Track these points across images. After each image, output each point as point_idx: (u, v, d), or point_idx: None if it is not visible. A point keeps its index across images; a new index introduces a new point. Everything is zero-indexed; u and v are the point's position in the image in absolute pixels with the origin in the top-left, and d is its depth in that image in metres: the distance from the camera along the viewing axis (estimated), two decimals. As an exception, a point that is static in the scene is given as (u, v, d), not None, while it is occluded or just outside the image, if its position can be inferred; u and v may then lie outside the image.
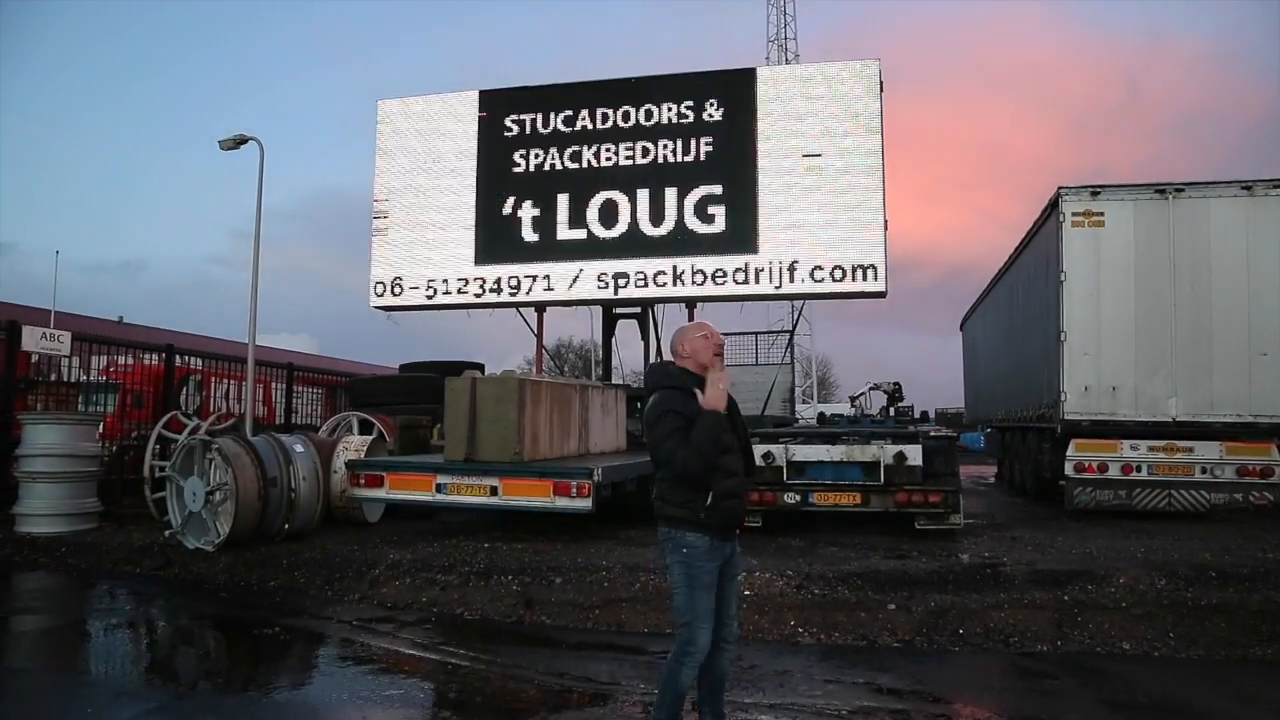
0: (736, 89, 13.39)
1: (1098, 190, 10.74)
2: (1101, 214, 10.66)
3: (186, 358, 13.51)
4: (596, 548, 8.58)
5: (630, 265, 13.37)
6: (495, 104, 14.21)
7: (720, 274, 13.07)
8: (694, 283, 13.13)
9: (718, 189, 13.22)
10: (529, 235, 13.81)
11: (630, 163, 13.54)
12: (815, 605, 6.75)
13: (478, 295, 13.94)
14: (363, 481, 9.27)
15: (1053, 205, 11.09)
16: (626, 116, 13.64)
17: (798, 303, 16.03)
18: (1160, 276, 10.47)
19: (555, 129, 13.89)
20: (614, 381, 14.38)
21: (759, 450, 9.02)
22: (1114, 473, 10.50)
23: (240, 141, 12.48)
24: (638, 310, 14.44)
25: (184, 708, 4.97)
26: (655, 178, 13.43)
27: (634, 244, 13.39)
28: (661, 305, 14.22)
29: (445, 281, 14.05)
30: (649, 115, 13.57)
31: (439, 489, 8.92)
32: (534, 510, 8.76)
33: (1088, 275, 10.64)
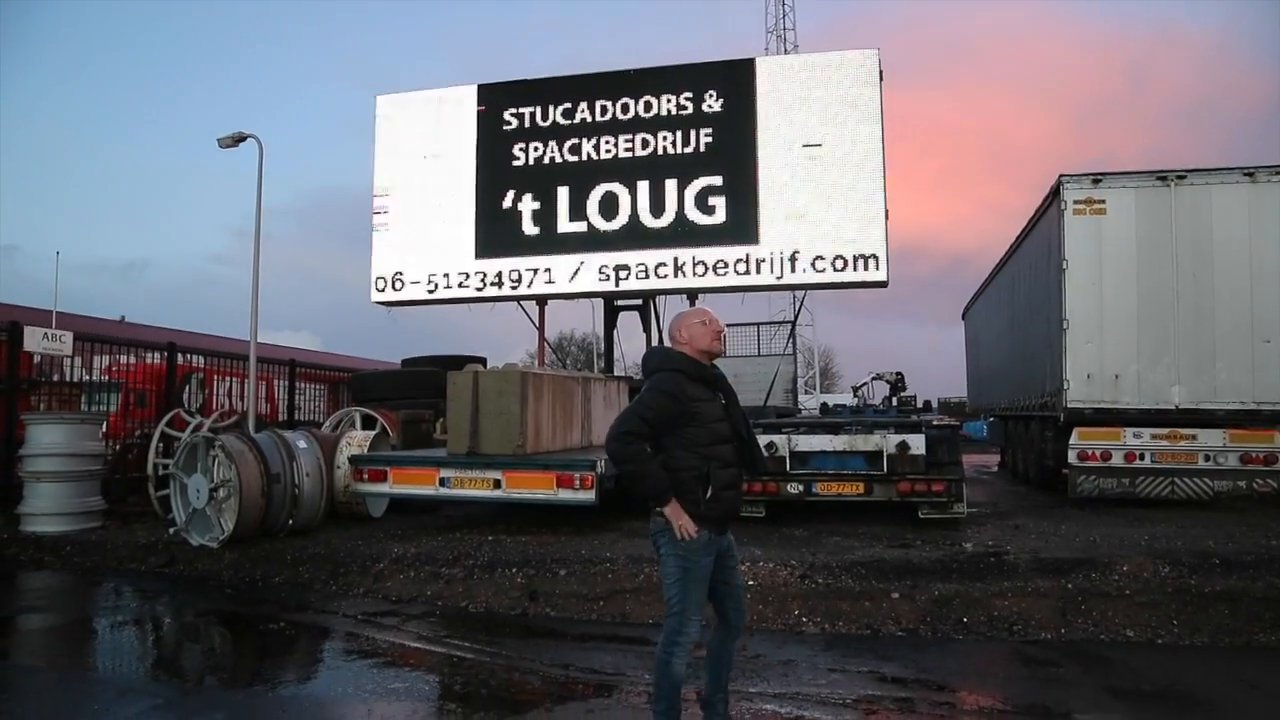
0: (736, 80, 13.35)
1: (1099, 178, 10.71)
2: (1103, 202, 10.63)
3: (188, 356, 13.52)
4: (600, 539, 8.59)
5: (631, 257, 13.36)
6: (494, 98, 14.18)
7: (721, 265, 13.05)
8: (695, 274, 13.13)
9: (718, 180, 13.19)
10: (529, 228, 13.80)
11: (630, 155, 13.52)
12: (819, 595, 6.76)
13: (479, 289, 13.94)
14: (366, 476, 9.29)
15: (1054, 193, 11.07)
16: (626, 108, 13.62)
17: (799, 293, 16.01)
18: (1162, 264, 10.45)
19: (554, 122, 13.86)
20: (616, 373, 14.39)
21: (762, 441, 9.02)
22: (1117, 461, 10.49)
23: (239, 139, 12.48)
24: (639, 302, 14.43)
25: (190, 703, 4.98)
26: (655, 169, 13.40)
27: (635, 236, 13.38)
28: (663, 297, 14.21)
29: (446, 276, 14.05)
30: (648, 107, 13.55)
31: (442, 483, 8.94)
32: (537, 503, 8.77)
33: (1090, 263, 10.62)
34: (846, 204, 12.69)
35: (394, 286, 14.25)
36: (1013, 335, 14.89)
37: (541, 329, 14.70)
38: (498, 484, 8.72)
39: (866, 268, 12.60)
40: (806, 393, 32.40)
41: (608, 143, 13.63)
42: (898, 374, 17.77)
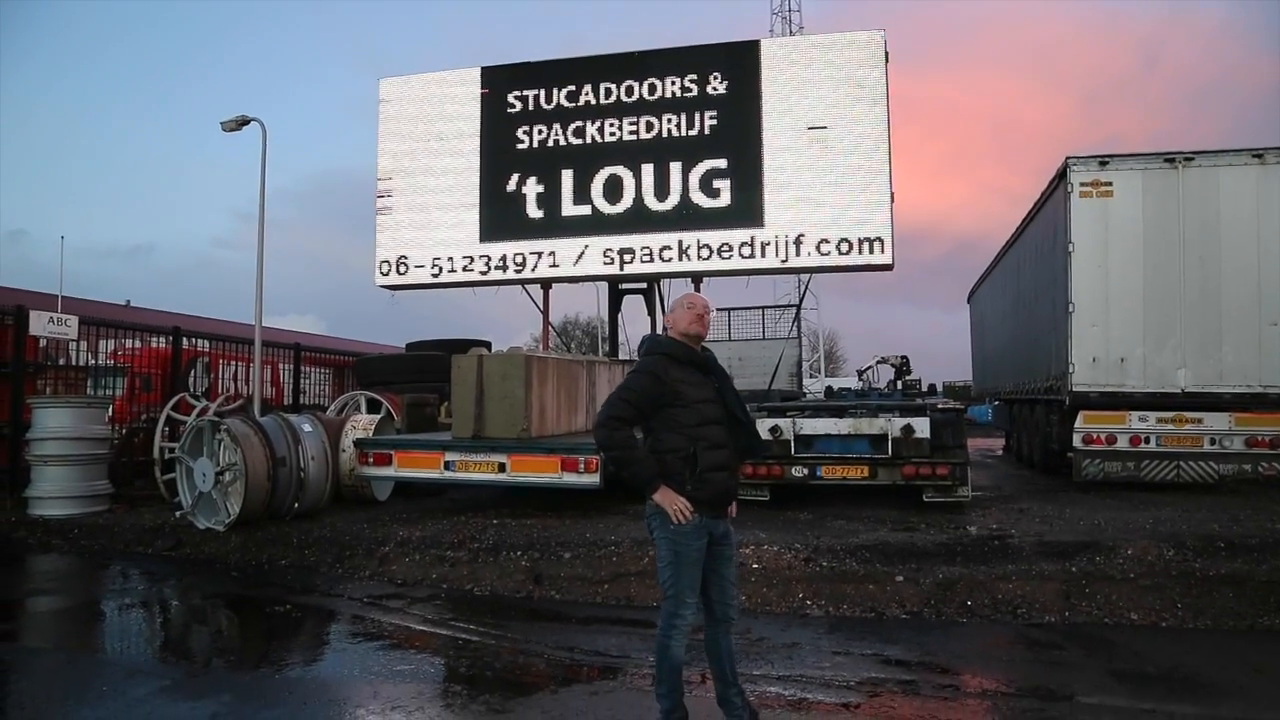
0: (740, 61, 13.26)
1: (1106, 160, 10.64)
2: (1110, 184, 10.56)
3: (194, 340, 13.55)
4: (605, 523, 8.61)
5: (635, 240, 13.32)
6: (497, 80, 14.11)
7: (726, 248, 13.01)
8: (700, 257, 13.09)
9: (722, 163, 13.13)
10: (534, 212, 13.76)
11: (634, 137, 13.46)
12: (823, 578, 6.77)
13: (483, 273, 13.92)
14: (371, 460, 9.32)
15: (1060, 176, 10.99)
16: (630, 91, 13.54)
17: (804, 276, 15.94)
18: (1169, 246, 10.38)
19: (558, 104, 13.80)
20: (621, 357, 14.38)
21: (767, 424, 9.03)
22: (1122, 444, 10.47)
23: (243, 122, 12.44)
24: (644, 286, 14.39)
25: (197, 685, 5.01)
26: (660, 152, 13.34)
27: (639, 219, 13.34)
28: (667, 280, 14.18)
29: (450, 259, 14.02)
30: (652, 89, 13.47)
31: (447, 466, 8.97)
32: (542, 486, 8.80)
33: (1096, 246, 10.56)
34: (851, 186, 12.62)
35: (398, 270, 14.23)
36: (1018, 319, 14.84)
37: (546, 312, 14.69)
38: (502, 467, 8.75)
39: (871, 251, 12.55)
40: (811, 376, 32.39)
41: (612, 125, 13.56)
42: (903, 358, 17.74)
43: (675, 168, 13.26)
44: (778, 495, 9.42)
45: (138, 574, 8.07)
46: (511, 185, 13.86)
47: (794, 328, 18.25)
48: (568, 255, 13.59)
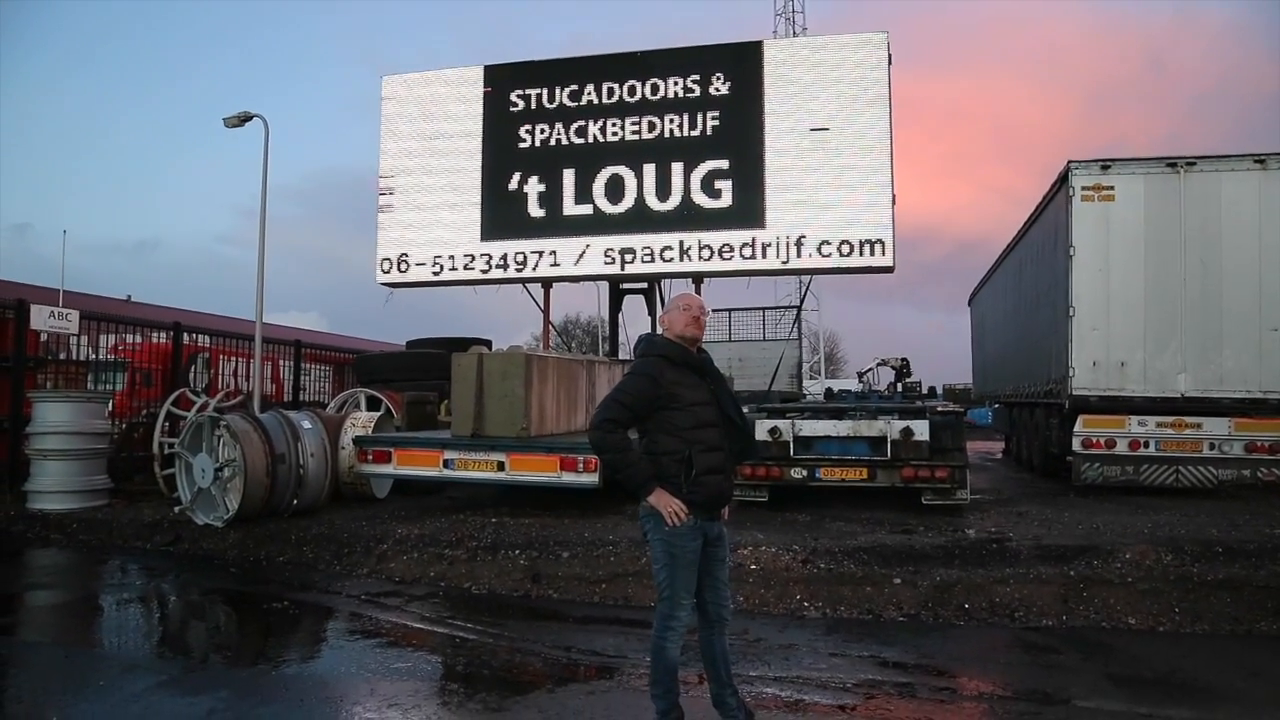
0: (743, 62, 13.26)
1: (1108, 164, 10.64)
2: (1111, 188, 10.56)
3: (194, 336, 13.55)
4: (603, 522, 8.61)
5: (637, 240, 13.32)
6: (500, 79, 14.11)
7: (727, 249, 13.01)
8: (701, 258, 13.08)
9: (724, 163, 13.13)
10: (535, 211, 13.76)
11: (636, 137, 13.45)
12: (821, 579, 6.77)
13: (484, 271, 13.92)
14: (370, 457, 9.32)
15: (1062, 179, 10.99)
16: (632, 91, 13.54)
17: (805, 278, 15.94)
18: (1170, 251, 10.38)
19: (561, 104, 13.79)
20: (621, 357, 14.38)
21: (766, 426, 9.03)
22: (1121, 448, 10.46)
23: (245, 119, 12.44)
24: (644, 286, 14.39)
25: (195, 680, 5.02)
26: (661, 152, 13.34)
27: (640, 219, 13.33)
28: (668, 280, 14.18)
29: (452, 258, 14.02)
30: (655, 89, 13.47)
31: (446, 464, 8.97)
32: (541, 485, 8.79)
33: (1097, 250, 10.55)
34: (853, 188, 12.62)
35: (399, 268, 14.23)
36: (1018, 322, 14.83)
37: (546, 312, 14.68)
38: (501, 466, 8.75)
39: (873, 253, 12.55)
40: (811, 378, 32.37)
41: (614, 125, 13.56)
42: (903, 360, 17.72)
43: (677, 168, 13.26)
44: (776, 496, 9.42)
45: (136, 569, 8.08)
46: (513, 184, 13.86)
47: (794, 329, 18.24)
48: (569, 254, 13.58)
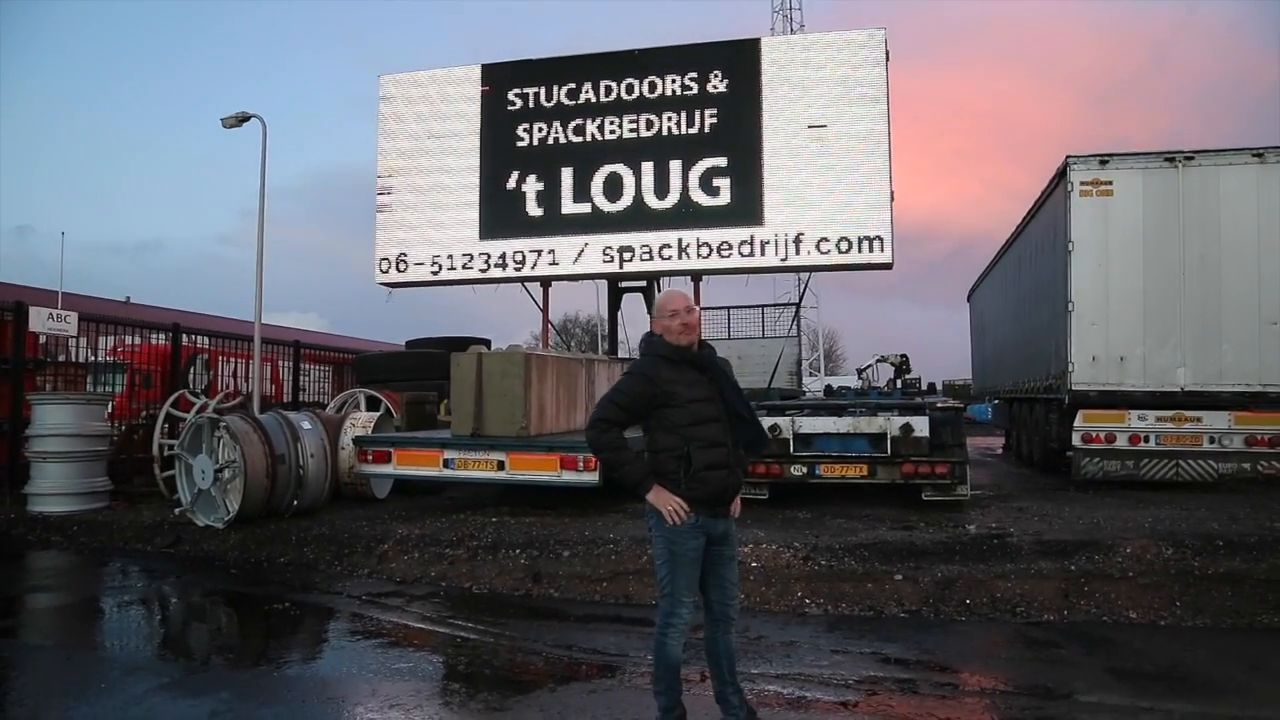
0: (741, 60, 13.27)
1: (1106, 159, 10.63)
2: (1110, 183, 10.55)
3: (193, 337, 13.54)
4: (604, 521, 8.61)
5: (635, 238, 13.33)
6: (498, 78, 14.11)
7: (726, 246, 13.02)
8: (699, 255, 13.10)
9: (722, 161, 13.14)
10: (533, 209, 13.77)
11: (634, 135, 13.46)
12: (822, 576, 6.77)
13: (483, 270, 13.93)
14: (370, 458, 9.32)
15: (1061, 174, 10.99)
16: (630, 89, 13.55)
17: (804, 275, 15.94)
18: (1169, 245, 10.38)
19: (559, 102, 13.80)
20: (620, 355, 14.38)
21: (766, 423, 9.02)
22: (1122, 443, 10.47)
23: (243, 119, 12.42)
24: (643, 284, 14.41)
25: (196, 682, 5.02)
26: (659, 150, 13.35)
27: (639, 217, 13.34)
28: (667, 278, 14.19)
29: (450, 257, 14.03)
30: (653, 87, 13.47)
31: (446, 464, 8.97)
32: (541, 484, 8.79)
33: (1096, 245, 10.55)
34: (851, 185, 12.63)
35: (398, 268, 14.24)
36: (1018, 317, 14.83)
37: (545, 310, 14.69)
38: (501, 465, 8.75)
39: (871, 249, 12.56)
40: (811, 375, 32.36)
41: (612, 123, 13.57)
42: (902, 356, 17.71)
43: (675, 166, 13.27)
44: (776, 494, 9.42)
45: (137, 571, 8.07)
46: (511, 183, 13.87)
47: (794, 326, 18.23)
48: (567, 253, 13.59)
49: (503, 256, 13.80)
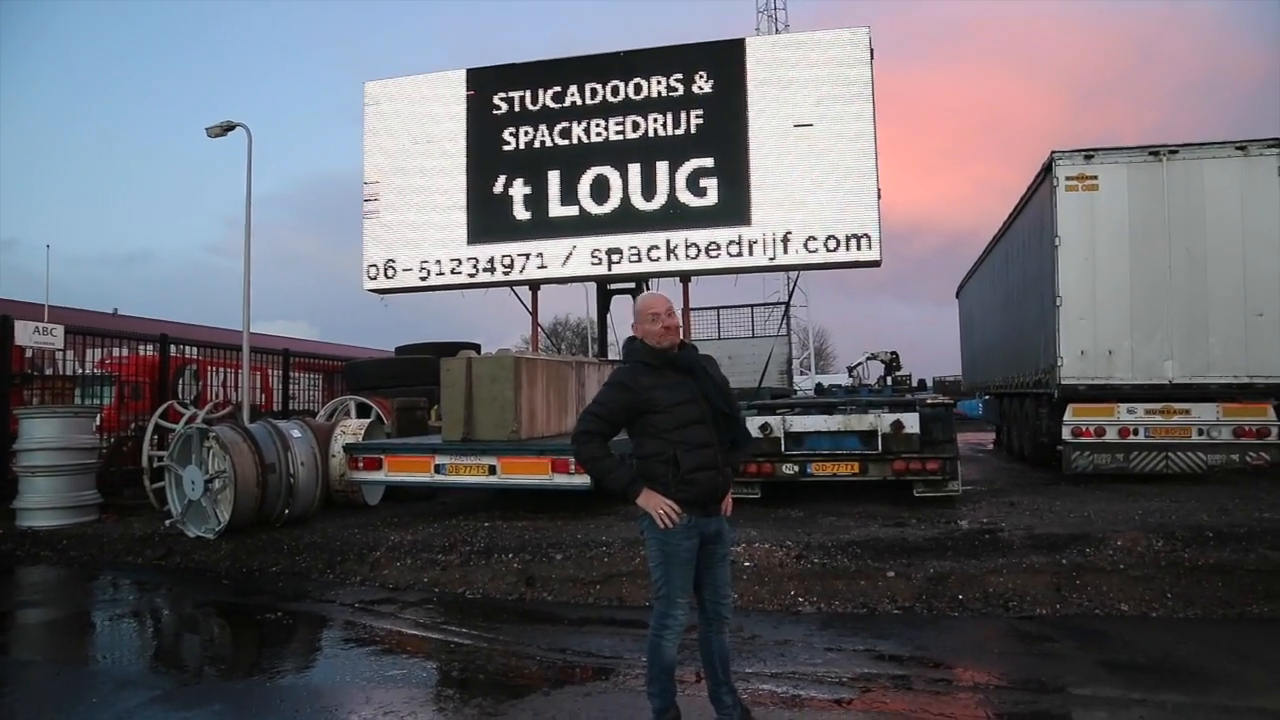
0: (726, 60, 13.29)
1: (1091, 153, 10.68)
2: (1095, 177, 10.60)
3: (181, 347, 13.48)
4: (596, 524, 8.60)
5: (623, 240, 13.33)
6: (483, 82, 14.10)
7: (714, 247, 13.03)
8: (688, 256, 13.11)
9: (709, 161, 13.15)
10: (521, 213, 13.75)
11: (621, 137, 13.47)
12: (815, 574, 6.77)
13: (471, 275, 13.91)
14: (361, 464, 9.29)
15: (1046, 170, 11.03)
16: (616, 91, 13.55)
17: (793, 273, 15.98)
18: (1155, 239, 10.43)
19: (544, 105, 13.80)
20: (610, 357, 14.37)
21: (757, 422, 9.03)
22: (1111, 436, 10.51)
23: (228, 128, 12.39)
24: (632, 285, 14.40)
25: (189, 694, 4.99)
26: (646, 152, 13.36)
27: (626, 219, 13.35)
28: (656, 280, 14.19)
29: (438, 262, 14.01)
30: (638, 89, 13.48)
31: (437, 469, 8.95)
32: (533, 488, 8.78)
33: (1082, 239, 10.60)
34: (838, 183, 12.66)
35: (386, 274, 14.21)
36: (1006, 313, 14.88)
37: (535, 314, 14.69)
38: (493, 470, 8.73)
39: (859, 247, 12.60)
40: (802, 374, 32.41)
41: (598, 126, 13.57)
42: (892, 353, 17.79)
43: (662, 167, 13.28)
44: (769, 492, 9.43)
45: (128, 584, 8.03)
46: (498, 187, 13.86)
47: (783, 325, 18.26)
48: (556, 256, 13.59)
49: (491, 261, 13.79)
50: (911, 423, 8.91)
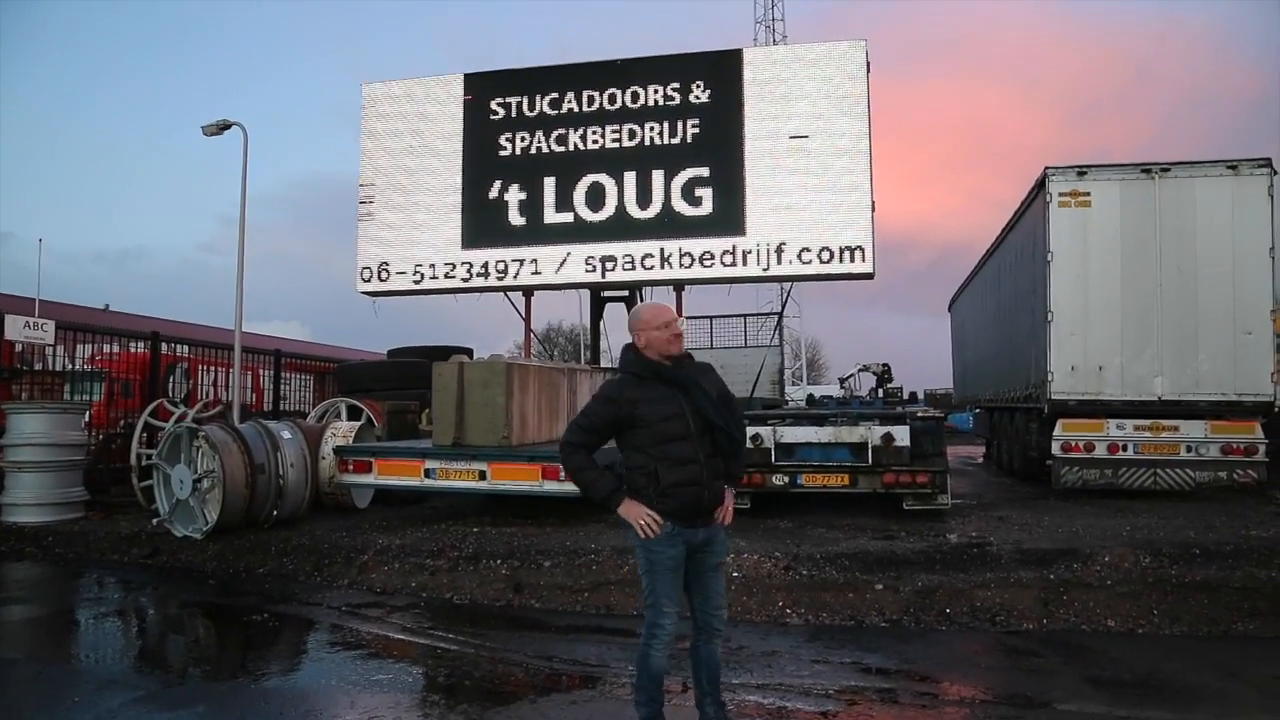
0: (723, 70, 13.31)
1: (1084, 170, 10.75)
2: (1088, 194, 10.67)
3: (173, 345, 13.44)
4: (585, 531, 8.59)
5: (618, 248, 13.31)
6: (480, 87, 14.09)
7: (708, 256, 13.03)
8: (682, 265, 13.10)
9: (704, 171, 13.16)
10: (516, 219, 13.74)
11: (617, 145, 13.47)
12: (803, 586, 6.78)
13: (465, 280, 13.88)
14: (351, 467, 9.27)
15: (1039, 185, 11.10)
16: (613, 99, 13.56)
17: (786, 284, 16.00)
18: (1146, 256, 10.50)
19: (541, 112, 13.79)
20: (603, 365, 14.37)
21: (748, 432, 9.03)
22: (1100, 452, 10.56)
23: (224, 127, 12.39)
24: (626, 293, 14.39)
25: (173, 695, 4.96)
26: (642, 160, 13.35)
27: (621, 227, 13.34)
28: (649, 288, 14.18)
29: (432, 266, 13.97)
30: (635, 97, 13.49)
31: (427, 474, 8.93)
32: (522, 494, 8.77)
33: (1074, 255, 10.66)
34: (832, 195, 12.68)
35: (380, 277, 14.17)
36: (998, 327, 14.94)
37: (528, 320, 14.66)
38: (483, 475, 8.71)
39: (853, 259, 12.60)
40: (793, 384, 32.46)
41: (594, 133, 13.57)
42: (884, 365, 17.78)
43: (657, 176, 13.28)
44: (758, 503, 9.44)
45: (113, 582, 7.99)
46: (494, 192, 13.84)
47: (775, 336, 18.26)
48: (550, 263, 13.56)
49: (485, 265, 13.77)
50: (902, 435, 8.93)
